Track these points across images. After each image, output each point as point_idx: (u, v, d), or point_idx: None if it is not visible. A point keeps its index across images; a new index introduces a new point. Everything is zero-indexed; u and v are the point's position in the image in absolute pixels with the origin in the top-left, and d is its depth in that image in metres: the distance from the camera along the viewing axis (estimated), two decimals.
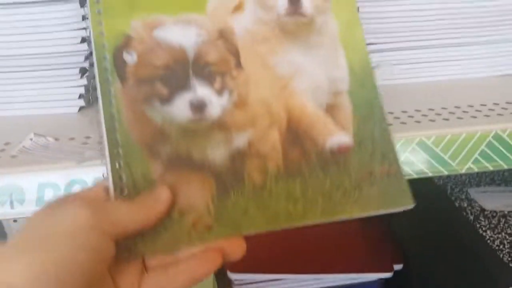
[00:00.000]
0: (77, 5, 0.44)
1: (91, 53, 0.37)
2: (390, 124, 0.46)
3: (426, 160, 0.45)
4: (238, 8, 0.40)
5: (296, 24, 0.41)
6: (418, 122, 0.46)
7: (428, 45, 0.55)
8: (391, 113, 0.48)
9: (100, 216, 0.30)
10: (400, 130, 0.45)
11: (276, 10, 0.40)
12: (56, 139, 0.43)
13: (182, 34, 0.37)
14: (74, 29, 0.45)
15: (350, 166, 0.38)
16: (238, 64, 0.38)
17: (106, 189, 0.34)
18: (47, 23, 0.45)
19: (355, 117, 0.40)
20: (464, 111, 0.49)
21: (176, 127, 0.36)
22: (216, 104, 0.36)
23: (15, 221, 0.82)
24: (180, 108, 0.36)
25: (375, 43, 0.53)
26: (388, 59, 0.55)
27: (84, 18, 0.45)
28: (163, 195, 0.33)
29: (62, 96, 0.49)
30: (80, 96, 0.49)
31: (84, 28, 0.45)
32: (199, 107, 0.36)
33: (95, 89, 0.37)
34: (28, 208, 0.38)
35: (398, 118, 0.47)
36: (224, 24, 0.38)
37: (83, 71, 0.48)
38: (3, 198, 0.38)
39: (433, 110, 0.49)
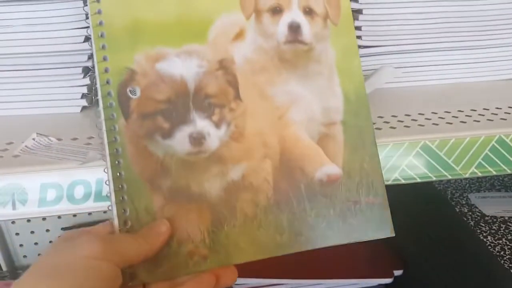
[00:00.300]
0: (81, 3, 0.44)
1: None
2: (394, 127, 0.46)
3: (430, 164, 0.44)
4: (239, 35, 0.41)
5: (295, 52, 0.41)
6: (422, 125, 0.46)
7: (431, 48, 0.55)
8: (395, 116, 0.48)
9: (109, 248, 0.33)
10: (403, 134, 0.45)
11: (276, 37, 0.41)
12: (59, 139, 0.43)
13: (183, 66, 0.38)
14: (77, 28, 0.45)
15: (336, 197, 0.40)
16: (237, 96, 0.39)
17: (112, 225, 0.37)
18: (49, 21, 0.44)
19: (346, 147, 0.41)
20: (467, 115, 0.49)
21: (176, 160, 0.37)
22: (214, 137, 0.38)
23: (13, 222, 0.82)
24: (180, 141, 0.37)
25: (378, 46, 0.53)
26: (391, 62, 0.55)
27: (87, 16, 0.44)
28: (163, 228, 0.36)
29: (64, 95, 0.48)
30: (83, 96, 0.48)
31: (87, 27, 0.45)
32: (198, 139, 0.37)
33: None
34: (31, 209, 0.38)
35: (401, 121, 0.47)
36: (225, 54, 0.39)
37: (86, 70, 0.48)
38: (5, 198, 0.37)
39: (436, 113, 0.49)
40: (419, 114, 0.49)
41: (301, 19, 0.41)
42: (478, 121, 0.47)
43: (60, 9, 0.44)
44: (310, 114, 0.41)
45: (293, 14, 0.41)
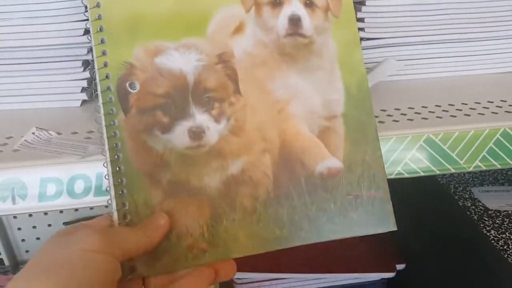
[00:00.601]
0: None
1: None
2: (397, 120, 0.45)
3: (433, 157, 0.44)
4: (239, 29, 0.40)
5: (295, 45, 0.41)
6: (425, 118, 0.46)
7: (434, 40, 0.54)
8: (398, 109, 0.48)
9: (108, 241, 0.32)
10: (407, 127, 0.44)
11: (276, 31, 0.41)
12: (59, 133, 0.42)
13: (182, 60, 0.38)
14: (76, 21, 0.44)
15: (337, 190, 0.40)
16: (237, 90, 0.39)
17: (111, 218, 0.37)
18: (48, 14, 0.44)
19: (347, 140, 0.40)
20: (471, 108, 0.48)
21: (176, 154, 0.37)
22: (214, 131, 0.38)
23: (15, 217, 0.82)
24: (179, 136, 0.37)
25: (381, 38, 0.53)
26: (394, 54, 0.54)
27: (86, 9, 0.44)
28: (161, 221, 0.36)
29: (64, 89, 0.48)
30: (83, 90, 0.48)
31: (87, 20, 0.44)
32: (197, 134, 0.37)
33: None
34: (30, 204, 0.38)
35: (404, 114, 0.47)
36: (224, 48, 0.39)
37: (85, 64, 0.47)
38: (5, 193, 0.37)
39: (440, 106, 0.48)
40: (423, 107, 0.48)
41: (302, 11, 0.41)
42: (483, 114, 0.47)
43: (59, 1, 0.43)
44: (310, 108, 0.41)
45: (294, 6, 0.41)
